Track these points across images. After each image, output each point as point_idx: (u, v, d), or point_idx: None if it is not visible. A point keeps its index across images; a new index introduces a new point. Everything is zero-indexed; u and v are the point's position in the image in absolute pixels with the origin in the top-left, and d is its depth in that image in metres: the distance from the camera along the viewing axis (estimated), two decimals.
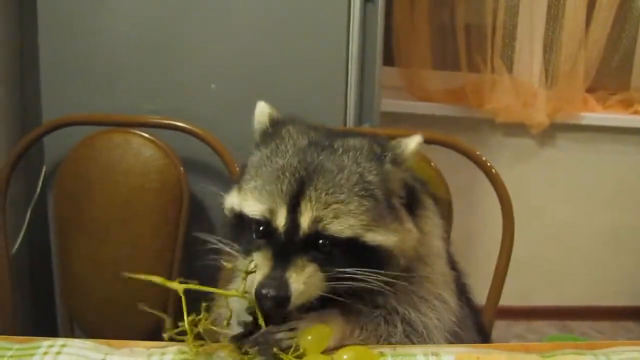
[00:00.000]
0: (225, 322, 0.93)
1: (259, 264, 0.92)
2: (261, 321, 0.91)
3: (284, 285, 0.89)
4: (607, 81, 3.29)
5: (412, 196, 1.04)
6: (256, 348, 0.90)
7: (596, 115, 3.22)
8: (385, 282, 0.95)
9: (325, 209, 0.92)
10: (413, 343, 1.00)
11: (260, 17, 1.94)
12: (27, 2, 2.07)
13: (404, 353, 0.97)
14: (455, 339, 1.05)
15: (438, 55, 3.18)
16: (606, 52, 3.15)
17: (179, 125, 1.86)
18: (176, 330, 0.91)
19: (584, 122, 3.21)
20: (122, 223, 1.86)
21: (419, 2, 3.06)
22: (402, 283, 0.99)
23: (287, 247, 0.92)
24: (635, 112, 3.25)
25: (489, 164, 1.78)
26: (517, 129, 3.18)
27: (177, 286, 0.91)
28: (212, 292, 0.94)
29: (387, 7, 2.04)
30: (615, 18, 3.10)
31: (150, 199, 1.86)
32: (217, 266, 1.12)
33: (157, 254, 1.86)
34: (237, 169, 1.71)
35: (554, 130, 3.23)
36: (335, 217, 0.92)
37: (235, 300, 0.95)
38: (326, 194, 0.93)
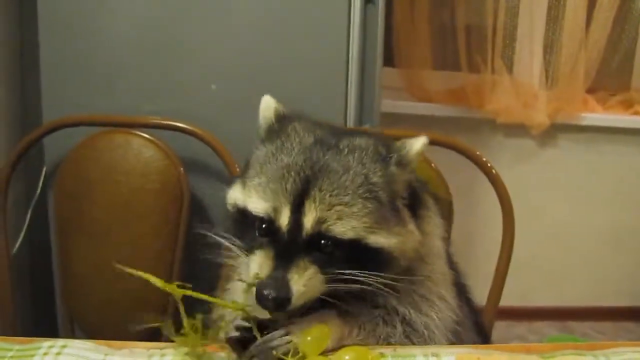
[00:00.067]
0: (222, 325, 0.93)
1: (260, 263, 0.92)
2: (256, 332, 0.91)
3: (285, 286, 0.89)
4: (607, 82, 3.29)
5: (414, 197, 1.03)
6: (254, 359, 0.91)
7: (596, 116, 3.22)
8: (386, 284, 0.95)
9: (329, 210, 0.92)
10: (413, 343, 1.00)
11: (261, 17, 1.94)
12: (27, 2, 2.07)
13: (404, 354, 0.97)
14: (456, 337, 1.04)
15: (438, 55, 3.18)
16: (606, 53, 3.15)
17: (179, 126, 1.86)
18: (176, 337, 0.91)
19: (584, 122, 3.21)
20: (122, 223, 1.86)
21: (419, 2, 3.06)
22: (401, 282, 0.99)
23: (290, 246, 0.92)
24: (636, 113, 3.25)
25: (489, 165, 1.78)
26: (518, 129, 3.18)
27: (176, 291, 0.91)
28: (213, 289, 0.94)
29: (388, 8, 2.04)
30: (616, 19, 3.10)
31: (151, 200, 1.86)
32: (218, 264, 1.12)
33: (157, 254, 1.86)
34: (238, 169, 1.71)
35: (555, 131, 3.23)
36: (339, 218, 0.92)
37: (236, 295, 0.95)
38: (330, 195, 0.93)
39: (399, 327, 0.99)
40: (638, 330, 3.36)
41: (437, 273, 1.06)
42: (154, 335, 1.04)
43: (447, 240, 1.12)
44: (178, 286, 0.91)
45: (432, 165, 1.78)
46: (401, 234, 0.97)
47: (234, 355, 0.93)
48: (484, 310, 1.74)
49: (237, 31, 1.94)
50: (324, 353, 0.93)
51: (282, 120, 1.04)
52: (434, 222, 1.08)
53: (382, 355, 0.95)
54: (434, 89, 3.16)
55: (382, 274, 0.93)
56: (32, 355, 0.96)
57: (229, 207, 1.03)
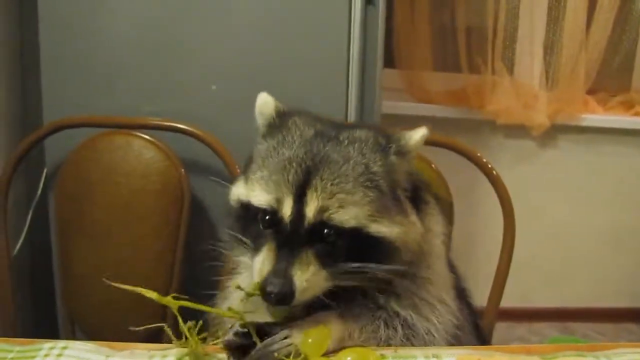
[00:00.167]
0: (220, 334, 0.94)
1: (264, 257, 0.92)
2: (255, 337, 0.91)
3: (288, 281, 0.89)
4: (607, 83, 3.29)
5: (417, 192, 1.04)
6: None
7: (597, 117, 3.22)
8: (388, 280, 0.95)
9: (330, 198, 0.93)
10: (413, 345, 1.00)
11: (261, 18, 1.94)
12: (27, 2, 2.07)
13: (405, 355, 0.97)
14: (456, 341, 1.05)
15: (439, 56, 3.18)
16: (607, 54, 3.15)
17: (180, 127, 1.86)
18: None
19: (584, 123, 3.21)
20: (123, 225, 1.86)
21: (419, 3, 3.07)
22: (403, 282, 0.99)
23: (293, 237, 0.92)
24: (636, 114, 3.25)
25: (489, 166, 1.78)
26: (518, 130, 3.18)
27: (171, 302, 0.91)
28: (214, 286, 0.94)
29: (388, 9, 2.03)
30: (616, 20, 3.10)
31: (152, 201, 1.86)
32: (218, 265, 1.12)
33: (158, 255, 1.86)
34: (238, 170, 1.71)
35: (555, 132, 3.23)
36: (341, 206, 0.93)
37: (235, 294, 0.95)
38: (332, 184, 0.93)
39: (400, 330, 0.99)
40: (639, 331, 3.36)
41: (437, 275, 1.06)
42: (154, 337, 1.04)
43: (448, 244, 1.12)
44: (174, 297, 0.91)
45: (433, 166, 1.78)
46: (403, 224, 0.98)
47: None
48: (485, 312, 1.74)
49: (238, 32, 1.93)
50: (326, 354, 0.93)
51: (282, 116, 1.04)
52: (435, 219, 1.08)
53: (383, 356, 0.95)
54: (435, 90, 3.16)
55: (384, 267, 0.94)
56: (33, 357, 0.96)
57: (232, 204, 1.03)
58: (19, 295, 1.95)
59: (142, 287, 0.90)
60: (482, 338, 1.23)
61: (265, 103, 1.05)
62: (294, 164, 0.95)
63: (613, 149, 3.29)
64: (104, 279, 0.93)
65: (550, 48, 3.14)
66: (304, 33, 1.94)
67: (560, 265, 3.38)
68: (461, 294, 1.15)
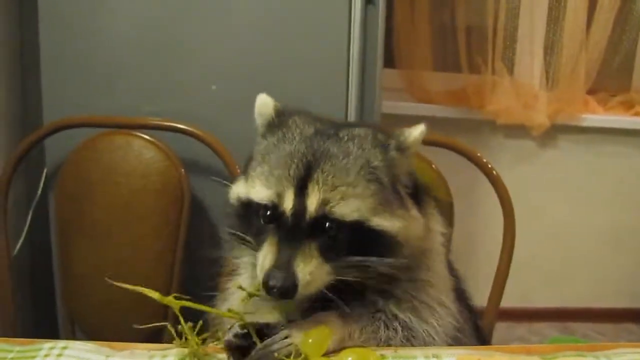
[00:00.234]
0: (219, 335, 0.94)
1: (266, 252, 0.92)
2: (255, 338, 0.91)
3: (290, 274, 0.89)
4: (608, 83, 3.29)
5: (417, 191, 1.04)
6: None
7: (597, 117, 3.22)
8: (390, 275, 0.96)
9: (332, 191, 0.93)
10: (413, 346, 1.00)
11: (261, 17, 1.94)
12: (27, 2, 2.07)
13: (405, 355, 0.97)
14: (456, 343, 1.05)
15: (439, 56, 3.18)
16: (607, 54, 3.15)
17: (180, 127, 1.86)
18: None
19: (584, 123, 3.20)
20: (123, 225, 1.86)
21: (419, 3, 3.06)
22: (402, 285, 0.99)
23: (294, 231, 0.92)
24: (636, 114, 3.25)
25: (489, 166, 1.78)
26: (518, 130, 3.18)
27: (173, 302, 0.91)
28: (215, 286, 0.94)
29: (388, 9, 2.03)
30: (616, 20, 3.10)
31: (152, 201, 1.86)
32: (218, 265, 1.12)
33: (158, 255, 1.86)
34: (238, 170, 1.71)
35: (555, 132, 3.23)
36: (342, 199, 0.93)
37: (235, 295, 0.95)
38: (333, 176, 0.93)
39: (400, 332, 0.99)
40: (639, 331, 3.36)
41: (437, 277, 1.06)
42: (154, 337, 1.05)
43: (447, 246, 1.12)
44: (175, 297, 0.91)
45: (433, 166, 1.78)
46: (405, 218, 0.98)
47: None
48: (485, 312, 1.74)
49: (238, 32, 1.93)
50: (326, 355, 0.93)
51: (281, 115, 1.05)
52: (435, 219, 1.08)
53: (383, 356, 0.95)
54: (435, 90, 3.16)
55: (386, 260, 0.94)
56: (33, 357, 0.96)
57: (233, 202, 1.03)
58: (19, 295, 1.95)
59: (142, 287, 0.90)
60: (482, 339, 1.23)
61: (264, 104, 1.06)
62: (295, 159, 0.95)
63: (613, 149, 3.28)
64: (106, 279, 0.93)
65: (551, 48, 3.14)
66: (304, 33, 1.94)
67: (560, 265, 3.38)
68: (461, 296, 1.15)
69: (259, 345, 0.91)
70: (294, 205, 0.92)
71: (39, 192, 2.10)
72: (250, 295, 0.91)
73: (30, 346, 0.99)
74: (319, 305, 0.95)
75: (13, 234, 2.03)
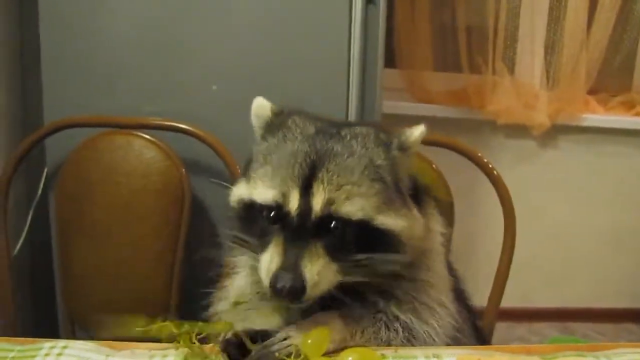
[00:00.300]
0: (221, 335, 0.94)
1: (271, 253, 0.92)
2: (250, 345, 0.90)
3: (298, 275, 0.88)
4: (608, 83, 3.29)
5: (417, 191, 1.04)
6: None
7: (598, 117, 3.22)
8: (395, 275, 0.96)
9: (337, 190, 0.92)
10: (414, 346, 1.00)
11: (261, 17, 1.94)
12: (27, 2, 2.07)
13: (406, 355, 0.97)
14: (456, 343, 1.05)
15: (439, 56, 3.18)
16: (608, 54, 3.15)
17: (181, 127, 1.86)
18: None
19: (585, 123, 3.20)
20: (123, 225, 1.86)
21: (420, 3, 3.06)
22: (403, 285, 0.99)
23: (300, 232, 0.92)
24: (637, 114, 3.24)
25: (490, 166, 1.78)
26: (519, 130, 3.18)
27: (174, 328, 0.91)
28: (213, 284, 0.94)
29: (389, 8, 2.03)
30: (617, 19, 3.10)
31: (152, 201, 1.86)
32: (218, 265, 1.12)
33: (158, 255, 1.86)
34: (239, 170, 1.71)
35: (556, 132, 3.22)
36: (347, 198, 0.92)
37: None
38: (338, 175, 0.93)
39: (401, 333, 0.99)
40: (639, 331, 3.36)
41: (437, 277, 1.06)
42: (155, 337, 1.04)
43: (447, 246, 1.12)
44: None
45: (433, 166, 1.78)
46: (408, 217, 0.98)
47: None
48: (485, 312, 1.74)
49: (238, 31, 1.93)
50: (327, 355, 0.93)
51: (280, 115, 1.05)
52: (435, 219, 1.09)
53: (383, 356, 0.95)
54: (435, 90, 3.16)
55: (390, 258, 0.94)
56: (34, 356, 0.96)
57: (234, 205, 1.02)
58: (19, 295, 1.95)
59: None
60: (481, 339, 1.23)
61: (260, 106, 1.06)
62: (299, 159, 0.95)
63: (614, 149, 3.28)
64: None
65: (551, 48, 3.14)
66: (304, 33, 1.94)
67: (561, 266, 3.38)
68: (460, 296, 1.15)
69: (258, 346, 0.90)
70: (299, 205, 0.92)
71: (39, 192, 2.10)
72: (236, 304, 0.91)
73: (30, 345, 0.99)
74: (318, 306, 0.95)
75: (13, 234, 2.03)
